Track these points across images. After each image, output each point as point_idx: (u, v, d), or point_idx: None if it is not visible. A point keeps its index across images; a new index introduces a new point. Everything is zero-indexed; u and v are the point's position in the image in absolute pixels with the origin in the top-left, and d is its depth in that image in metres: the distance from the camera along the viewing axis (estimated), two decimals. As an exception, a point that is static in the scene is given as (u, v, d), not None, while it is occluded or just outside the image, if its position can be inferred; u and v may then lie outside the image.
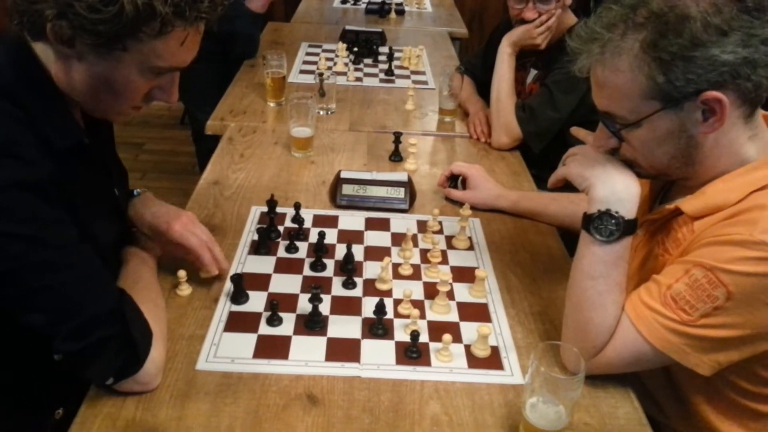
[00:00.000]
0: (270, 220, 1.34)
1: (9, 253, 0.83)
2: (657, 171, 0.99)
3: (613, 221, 0.95)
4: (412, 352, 1.05)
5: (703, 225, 0.94)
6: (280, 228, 1.36)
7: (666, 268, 0.95)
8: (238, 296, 1.15)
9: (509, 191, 1.52)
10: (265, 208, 1.37)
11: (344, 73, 2.26)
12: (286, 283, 1.20)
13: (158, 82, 0.94)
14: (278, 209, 1.36)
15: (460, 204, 1.43)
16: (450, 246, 1.35)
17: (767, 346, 0.91)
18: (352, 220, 1.42)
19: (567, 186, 1.07)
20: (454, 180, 1.55)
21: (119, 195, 1.13)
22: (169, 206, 1.19)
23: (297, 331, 1.09)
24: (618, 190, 0.97)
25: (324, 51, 2.49)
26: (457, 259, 1.31)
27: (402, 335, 1.09)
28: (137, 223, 1.18)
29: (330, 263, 1.26)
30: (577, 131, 1.10)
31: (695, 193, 0.97)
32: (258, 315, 1.12)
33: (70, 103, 0.95)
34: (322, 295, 1.10)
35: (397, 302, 1.16)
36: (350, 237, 1.32)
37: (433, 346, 1.07)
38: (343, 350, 1.05)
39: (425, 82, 2.27)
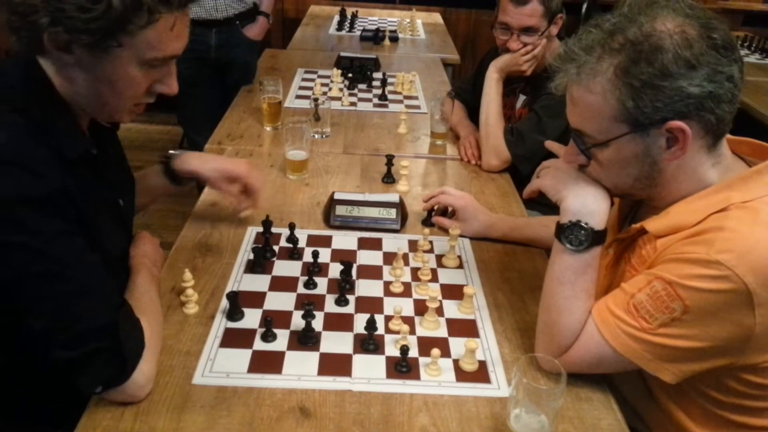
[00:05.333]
0: (265, 240, 1.38)
1: (15, 263, 0.87)
2: (621, 191, 1.05)
3: (582, 232, 1.01)
4: (402, 367, 1.08)
5: (665, 242, 0.98)
6: (275, 248, 1.40)
7: (633, 278, 1.00)
8: (234, 313, 1.18)
9: (500, 220, 1.51)
10: (260, 229, 1.41)
11: (339, 98, 2.32)
12: (280, 301, 1.24)
13: (156, 75, 0.98)
14: (273, 229, 1.40)
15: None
16: (440, 264, 1.39)
17: (725, 360, 0.94)
18: (345, 240, 1.46)
19: (541, 196, 1.12)
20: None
21: (124, 205, 1.17)
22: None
23: (290, 346, 1.12)
24: (588, 203, 1.02)
25: (319, 77, 2.55)
26: (446, 276, 1.35)
27: (392, 350, 1.12)
28: (200, 169, 1.34)
29: (323, 281, 1.30)
30: (551, 145, 1.16)
31: (660, 214, 1.01)
32: (253, 331, 1.15)
33: (77, 115, 0.99)
34: (315, 312, 1.14)
35: (387, 318, 1.20)
36: (343, 256, 1.36)
37: (422, 360, 1.11)
38: (335, 365, 1.09)
39: (418, 107, 2.33)
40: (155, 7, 0.89)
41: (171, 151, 1.37)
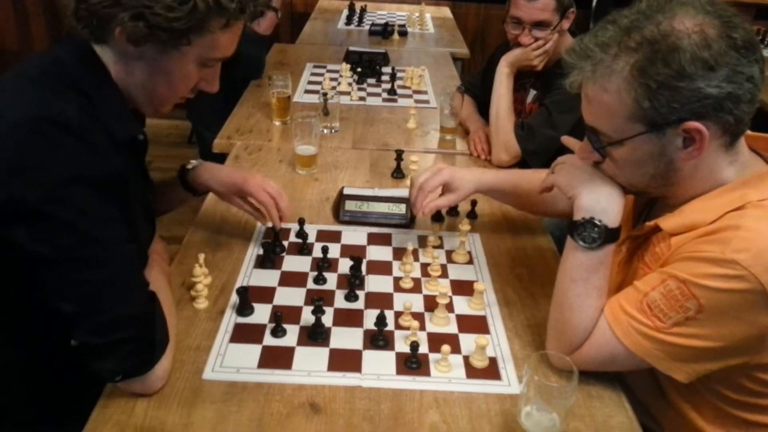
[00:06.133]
0: (275, 235, 1.38)
1: (61, 241, 0.88)
2: (636, 189, 1.03)
3: (596, 229, 1.00)
4: (412, 363, 1.08)
5: (680, 241, 0.97)
6: (285, 243, 1.40)
7: (646, 276, 0.99)
8: (244, 308, 1.18)
9: (483, 173, 1.43)
10: (270, 224, 1.41)
11: (348, 93, 2.32)
12: (290, 296, 1.24)
13: (206, 73, 1.02)
14: (283, 224, 1.39)
15: (456, 216, 1.46)
16: (450, 260, 1.39)
17: (739, 359, 0.93)
18: (354, 235, 1.46)
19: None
20: None
21: (149, 200, 1.19)
22: (237, 168, 1.36)
23: (300, 342, 1.12)
24: (602, 200, 1.01)
25: (328, 71, 2.54)
26: (456, 272, 1.35)
27: (402, 346, 1.12)
28: (211, 183, 1.31)
29: (333, 277, 1.30)
30: (567, 140, 1.15)
31: (674, 212, 1.00)
32: (263, 326, 1.15)
33: (127, 101, 1.02)
34: (324, 308, 1.13)
35: (397, 314, 1.19)
36: (353, 252, 1.36)
37: (432, 356, 1.10)
38: (344, 361, 1.08)
39: (427, 102, 2.32)
40: (234, 14, 0.94)
41: (191, 163, 1.35)
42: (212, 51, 0.97)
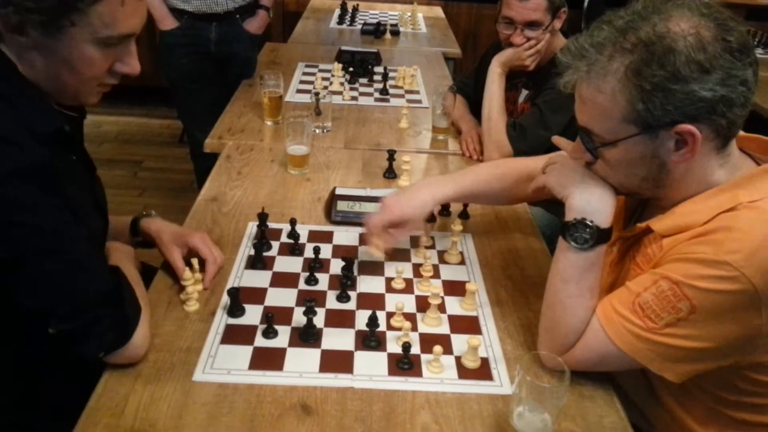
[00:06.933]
0: (261, 233, 1.37)
1: (11, 241, 0.88)
2: (627, 190, 1.03)
3: (587, 230, 1.00)
4: (404, 364, 1.08)
5: (671, 242, 0.97)
6: (276, 243, 1.39)
7: (638, 277, 0.99)
8: (235, 309, 1.17)
9: (439, 190, 1.33)
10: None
11: (340, 93, 2.31)
12: (281, 297, 1.23)
13: (116, 54, 0.97)
14: (274, 225, 1.39)
15: (449, 217, 1.46)
16: (442, 260, 1.39)
17: (731, 360, 0.94)
18: (346, 236, 1.45)
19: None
20: None
21: (98, 191, 1.17)
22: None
23: (292, 343, 1.12)
24: (594, 201, 1.01)
25: (320, 71, 2.54)
26: (448, 273, 1.35)
27: (394, 347, 1.12)
28: (158, 232, 1.28)
29: (324, 277, 1.30)
30: (558, 140, 1.14)
31: (666, 213, 1.00)
32: (254, 328, 1.14)
33: (45, 94, 0.98)
34: (316, 308, 1.13)
35: (389, 315, 1.19)
36: (345, 252, 1.36)
37: (424, 357, 1.10)
38: (336, 362, 1.08)
39: (419, 101, 2.32)
40: None
41: (151, 213, 1.34)
42: (103, 28, 0.91)
